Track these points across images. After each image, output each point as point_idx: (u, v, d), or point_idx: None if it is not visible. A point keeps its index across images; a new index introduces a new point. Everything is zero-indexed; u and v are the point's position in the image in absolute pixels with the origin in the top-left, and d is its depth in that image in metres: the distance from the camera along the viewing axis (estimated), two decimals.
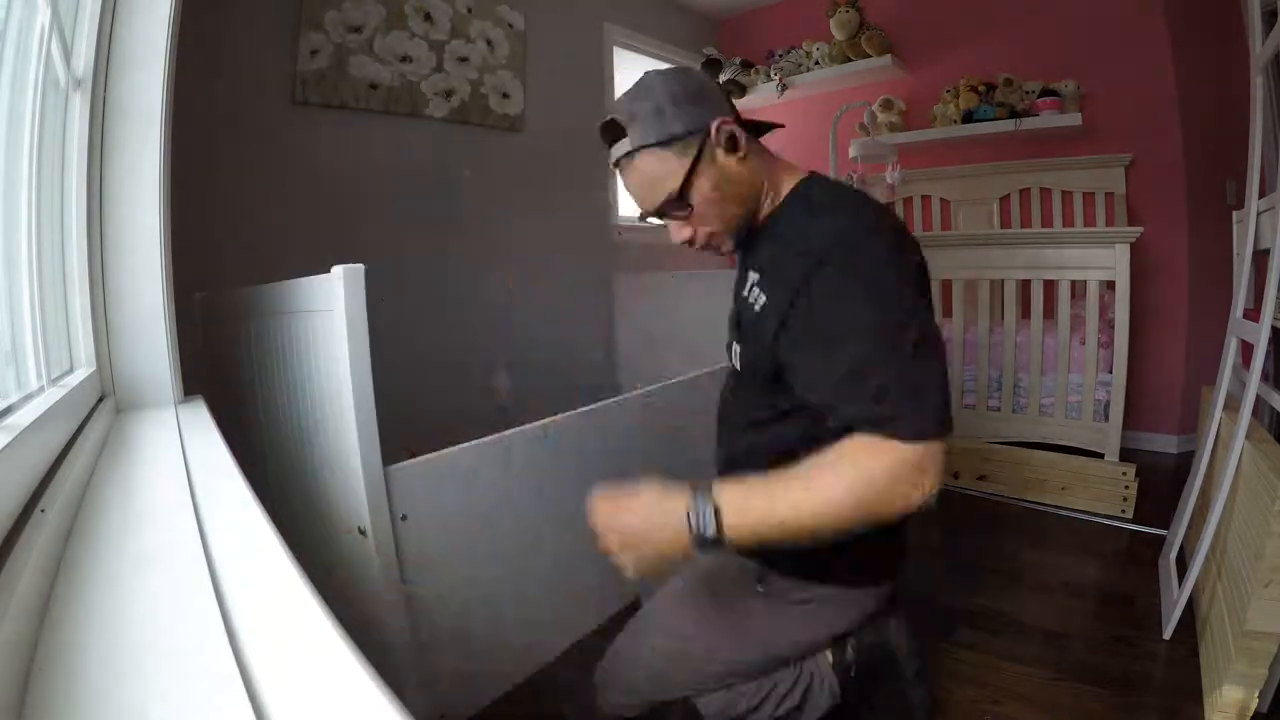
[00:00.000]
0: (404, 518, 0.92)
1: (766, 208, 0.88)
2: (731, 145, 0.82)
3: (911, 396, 0.66)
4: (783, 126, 0.93)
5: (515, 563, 1.15)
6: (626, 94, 0.83)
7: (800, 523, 0.66)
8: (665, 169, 0.82)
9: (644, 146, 0.81)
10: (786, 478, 0.68)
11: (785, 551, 0.78)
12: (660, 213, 0.84)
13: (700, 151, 0.81)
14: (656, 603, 0.96)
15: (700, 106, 0.81)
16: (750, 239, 0.89)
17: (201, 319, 1.31)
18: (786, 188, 0.87)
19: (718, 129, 0.81)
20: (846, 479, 0.66)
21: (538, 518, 1.19)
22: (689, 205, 0.83)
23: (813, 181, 0.87)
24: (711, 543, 0.67)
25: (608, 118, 0.83)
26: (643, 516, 0.70)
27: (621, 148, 0.83)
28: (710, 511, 0.67)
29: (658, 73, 0.82)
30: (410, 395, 2.17)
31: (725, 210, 0.85)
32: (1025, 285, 2.07)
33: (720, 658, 0.89)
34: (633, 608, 0.99)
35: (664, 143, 0.80)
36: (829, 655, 0.96)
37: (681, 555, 0.69)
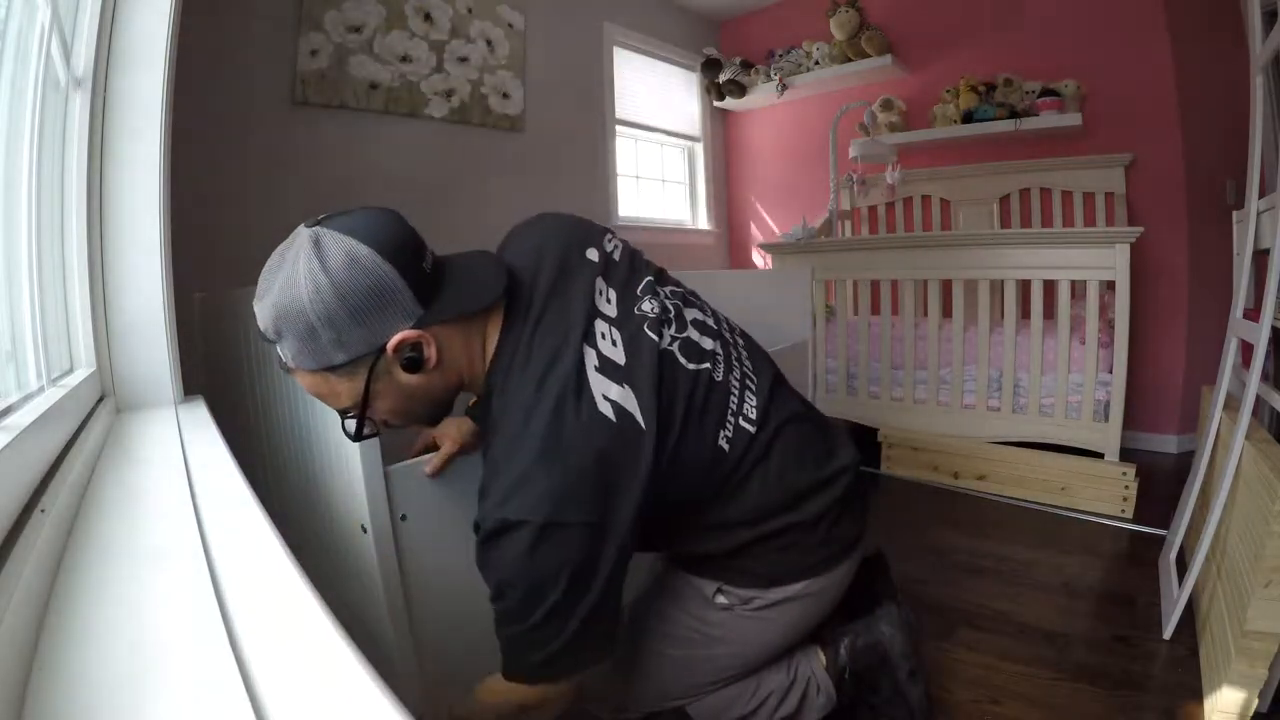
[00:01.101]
0: (404, 518, 0.92)
1: (474, 383, 0.76)
2: (414, 364, 0.67)
3: (526, 655, 0.70)
4: (500, 301, 0.74)
5: None
6: (269, 290, 0.63)
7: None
8: (331, 390, 0.68)
9: (299, 369, 0.67)
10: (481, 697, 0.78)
11: (729, 568, 0.85)
12: (354, 434, 0.72)
13: (372, 373, 0.66)
14: (632, 616, 0.96)
15: (369, 323, 0.63)
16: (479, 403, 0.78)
17: (201, 319, 1.31)
18: (483, 366, 0.74)
19: (395, 348, 0.66)
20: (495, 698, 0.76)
21: None
22: (369, 420, 0.71)
23: (507, 400, 0.71)
24: None
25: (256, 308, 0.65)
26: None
27: (279, 351, 0.67)
28: None
29: (310, 273, 0.61)
30: None
31: (411, 415, 0.75)
32: (1025, 285, 2.07)
33: (698, 668, 0.89)
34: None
35: (324, 368, 0.66)
36: (822, 658, 0.97)
37: None
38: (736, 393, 0.82)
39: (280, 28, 1.96)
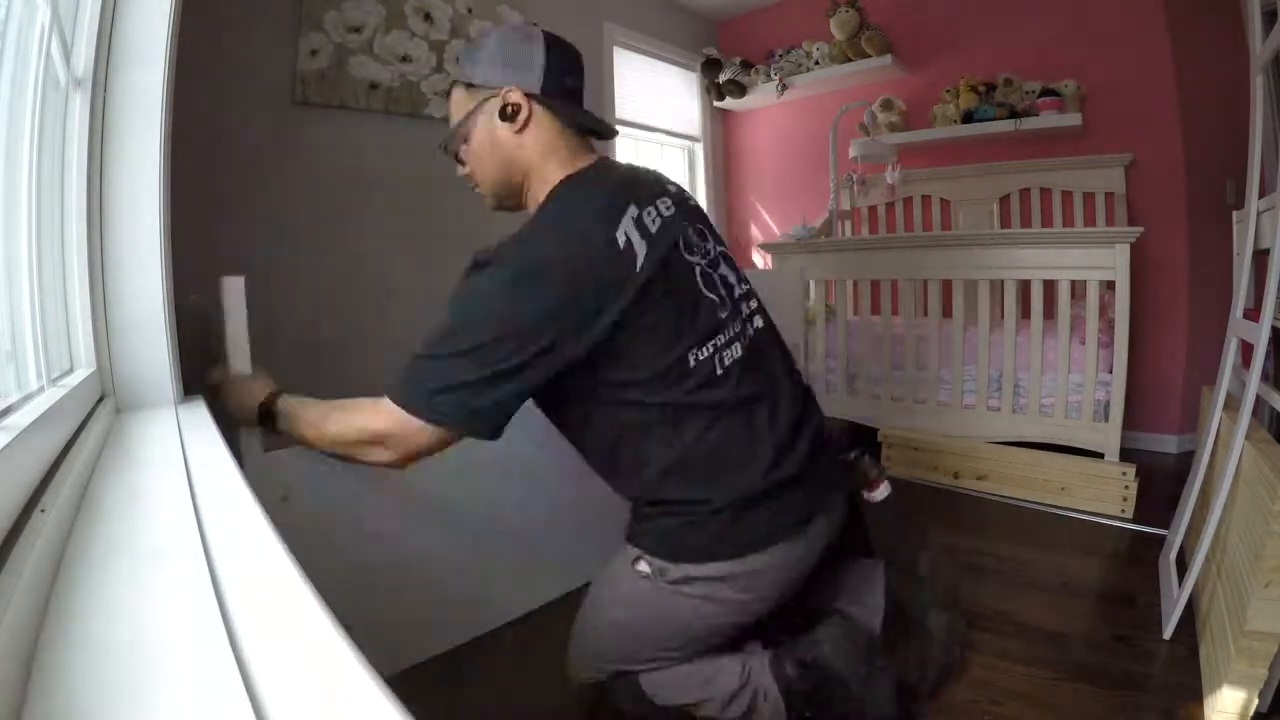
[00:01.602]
0: (285, 499, 0.99)
1: (529, 202, 0.96)
2: (507, 115, 0.90)
3: (416, 378, 0.80)
4: (613, 135, 1.01)
5: (413, 549, 1.22)
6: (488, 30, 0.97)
7: (312, 432, 0.89)
8: (458, 106, 0.95)
9: (456, 80, 0.95)
10: (331, 404, 0.89)
11: (645, 532, 0.93)
12: (446, 145, 0.98)
13: (480, 105, 0.91)
14: (593, 585, 1.03)
15: (508, 69, 0.90)
16: None
17: (194, 321, 1.33)
18: (544, 193, 0.91)
19: (505, 94, 0.90)
20: (345, 419, 0.86)
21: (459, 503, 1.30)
22: (461, 148, 0.96)
23: (552, 198, 0.89)
24: (263, 417, 0.93)
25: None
26: (236, 391, 0.96)
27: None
28: (264, 398, 0.93)
29: (511, 26, 0.93)
30: None
31: (484, 169, 0.96)
32: (1025, 285, 2.06)
33: (637, 636, 0.95)
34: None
35: (466, 82, 0.93)
36: (769, 666, 0.97)
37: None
38: (726, 336, 0.91)
39: (280, 28, 1.96)
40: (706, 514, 0.87)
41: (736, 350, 0.91)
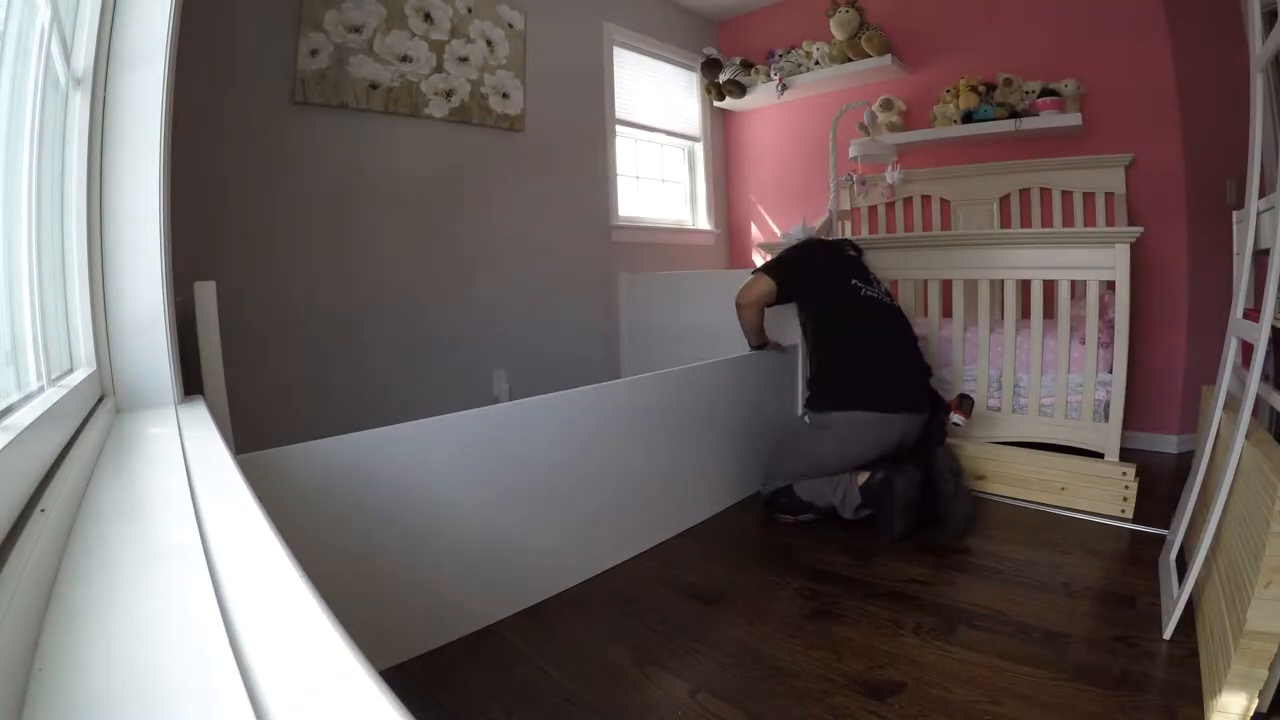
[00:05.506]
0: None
1: None
2: None
3: (765, 267, 2.05)
4: None
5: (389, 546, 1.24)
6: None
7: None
8: None
9: None
10: None
11: (809, 398, 1.93)
12: None
13: None
14: (781, 441, 1.98)
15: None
16: None
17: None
18: None
19: None
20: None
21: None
22: None
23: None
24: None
25: None
26: None
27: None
28: None
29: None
30: (409, 387, 2.17)
31: None
32: (1025, 285, 2.07)
33: (799, 459, 1.88)
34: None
35: None
36: (859, 480, 1.79)
37: None
38: (875, 294, 1.96)
39: (280, 28, 1.97)
40: (839, 382, 1.87)
41: (881, 302, 1.96)
